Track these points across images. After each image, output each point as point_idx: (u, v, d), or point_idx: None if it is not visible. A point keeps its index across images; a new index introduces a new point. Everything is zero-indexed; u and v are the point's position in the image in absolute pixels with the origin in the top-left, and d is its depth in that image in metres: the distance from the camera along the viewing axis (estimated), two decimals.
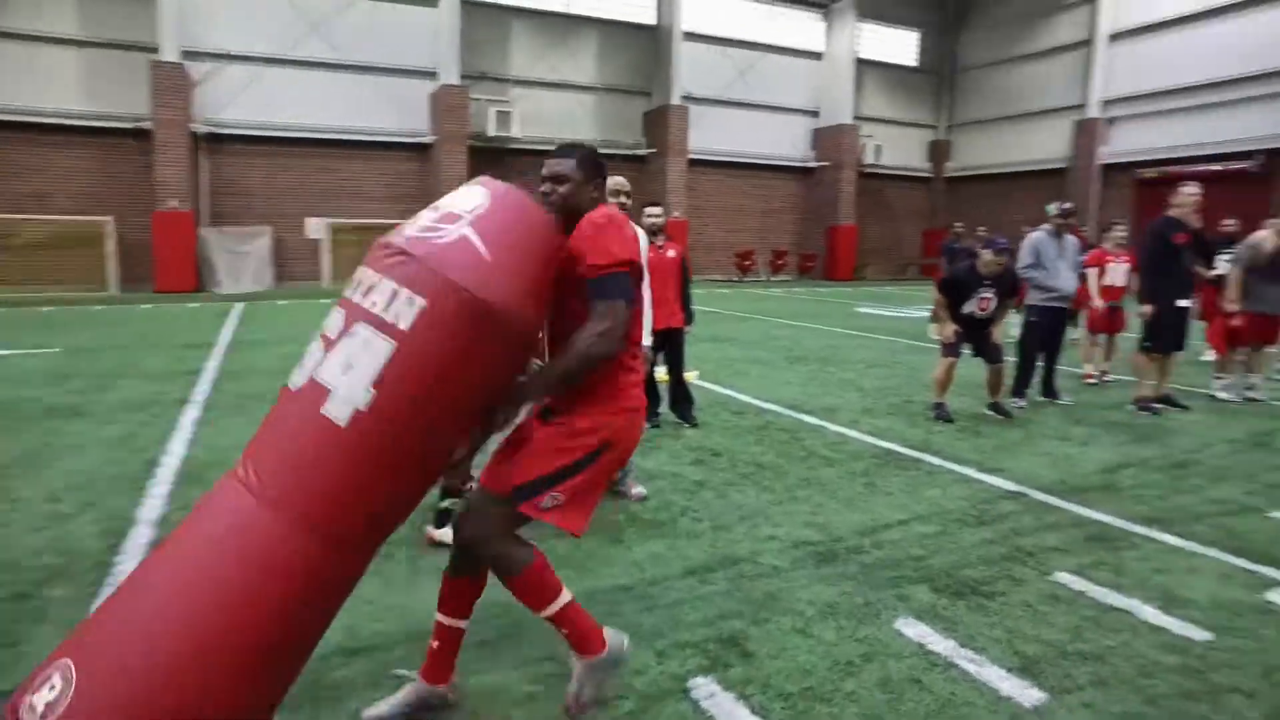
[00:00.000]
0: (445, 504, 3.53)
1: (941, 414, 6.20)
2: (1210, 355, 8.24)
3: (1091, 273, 7.78)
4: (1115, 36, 23.08)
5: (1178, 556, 3.54)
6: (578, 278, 2.04)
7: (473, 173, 20.01)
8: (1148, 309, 6.50)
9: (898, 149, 27.82)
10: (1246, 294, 7.08)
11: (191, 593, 1.66)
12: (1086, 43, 23.73)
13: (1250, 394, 7.24)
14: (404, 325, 1.74)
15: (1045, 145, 25.01)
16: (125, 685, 1.56)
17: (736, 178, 25.18)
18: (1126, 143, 23.09)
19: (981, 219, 18.96)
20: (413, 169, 20.44)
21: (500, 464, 2.17)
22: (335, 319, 1.85)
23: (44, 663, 1.68)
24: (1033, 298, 6.73)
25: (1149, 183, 21.87)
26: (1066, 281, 6.74)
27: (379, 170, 20.16)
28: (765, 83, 25.17)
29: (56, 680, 1.57)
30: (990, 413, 6.36)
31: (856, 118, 25.97)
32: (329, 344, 1.81)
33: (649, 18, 23.30)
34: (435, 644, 2.22)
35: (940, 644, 2.72)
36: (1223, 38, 20.56)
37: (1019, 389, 6.73)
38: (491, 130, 20.64)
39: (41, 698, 1.55)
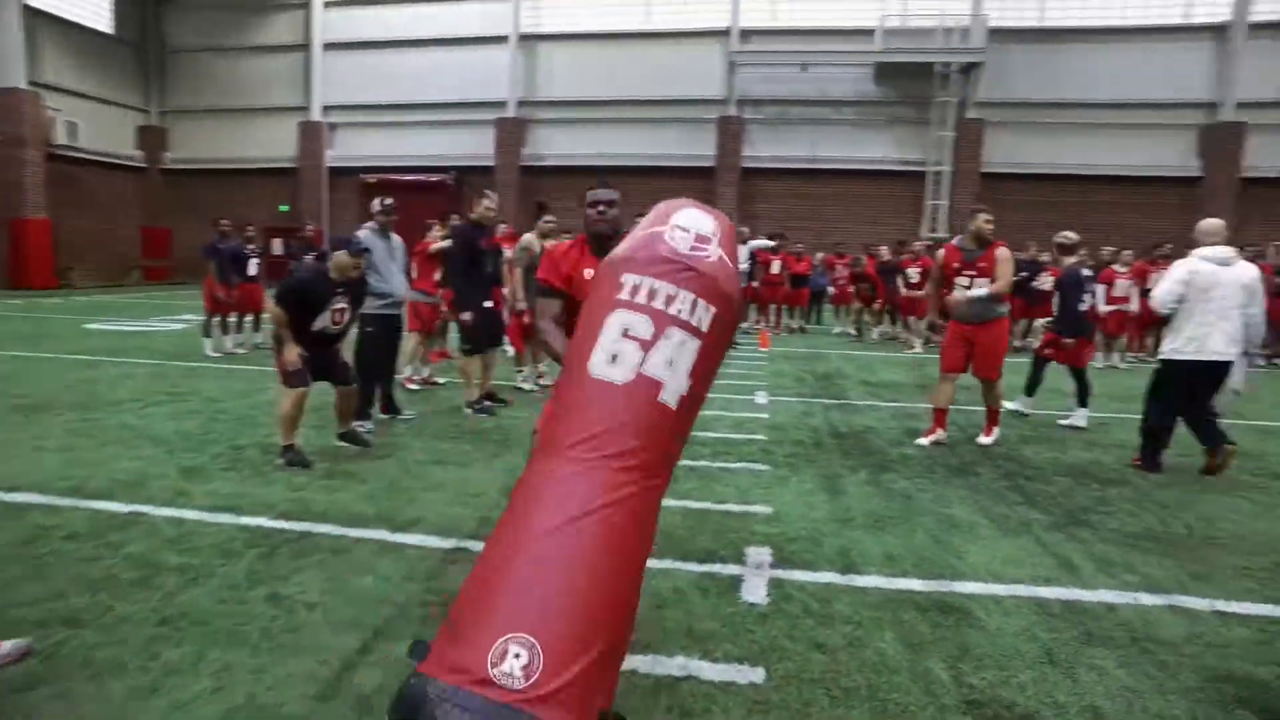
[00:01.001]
0: None
1: (295, 459, 4.92)
2: (510, 351, 8.78)
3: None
4: (330, 46, 23.83)
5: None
6: None
7: None
8: (466, 316, 6.45)
9: (101, 131, 23.30)
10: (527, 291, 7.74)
11: (605, 552, 1.90)
12: (304, 47, 23.90)
13: (541, 382, 8.02)
14: (704, 328, 2.17)
15: (274, 143, 24.38)
16: (580, 642, 1.77)
17: None
18: (350, 148, 24.25)
19: (212, 214, 17.32)
20: None
21: None
22: (639, 321, 2.13)
23: (463, 639, 1.79)
24: (368, 305, 5.94)
25: (373, 186, 23.35)
26: (399, 285, 6.20)
27: None
28: None
29: (517, 649, 1.73)
30: (345, 444, 5.37)
31: (35, 84, 20.61)
32: (645, 344, 2.11)
33: None
34: None
35: None
36: (420, 67, 23.30)
37: (363, 411, 5.89)
38: None
39: (513, 665, 1.71)
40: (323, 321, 4.92)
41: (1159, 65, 21.37)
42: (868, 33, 21.38)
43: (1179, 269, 5.15)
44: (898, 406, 7.30)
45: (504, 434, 5.91)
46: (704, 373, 2.17)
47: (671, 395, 2.09)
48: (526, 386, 7.81)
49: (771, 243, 14.04)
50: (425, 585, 3.20)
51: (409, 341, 7.81)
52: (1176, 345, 5.16)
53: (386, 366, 6.29)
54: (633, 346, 2.10)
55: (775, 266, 13.63)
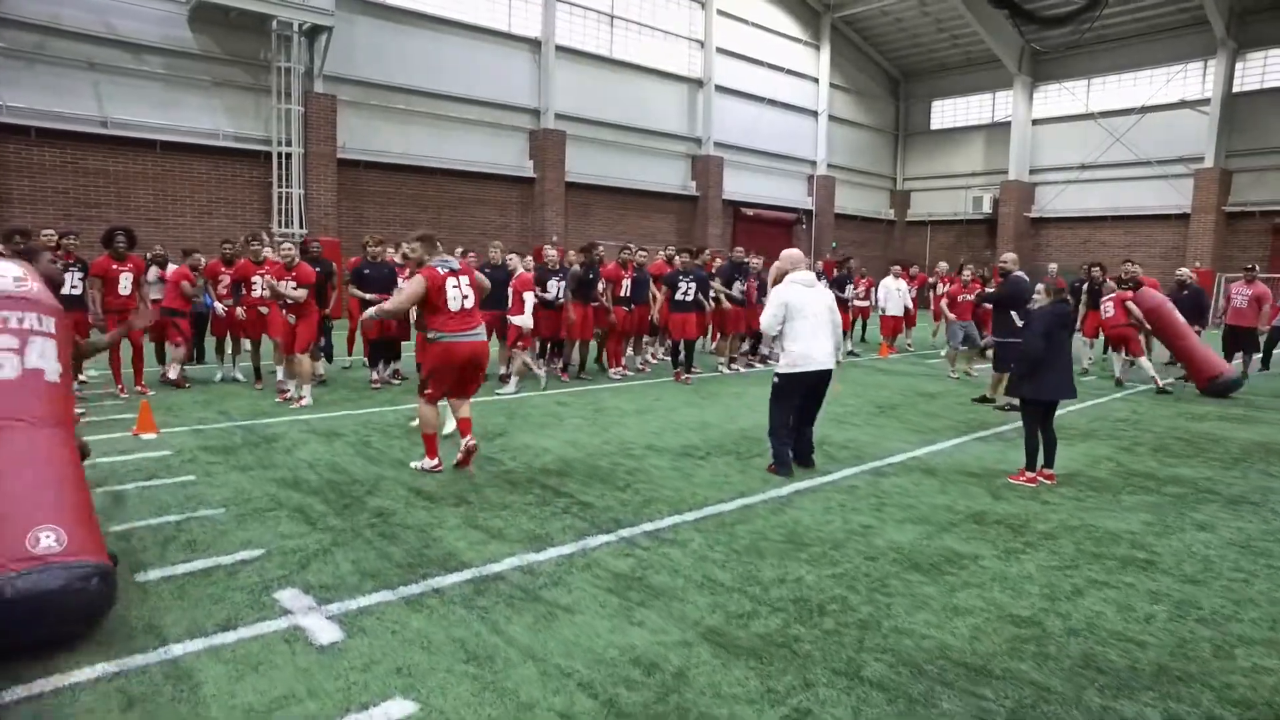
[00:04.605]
0: None
1: None
2: None
3: None
4: None
5: None
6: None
7: None
8: None
9: None
10: None
11: (63, 465, 3.16)
12: None
13: None
14: (53, 330, 3.47)
15: None
16: (85, 515, 3.08)
17: None
18: None
19: None
20: None
21: None
22: (5, 340, 3.29)
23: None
24: None
25: None
26: None
27: None
28: None
29: (46, 531, 2.83)
30: None
31: None
32: (18, 351, 3.29)
33: None
34: None
35: None
36: None
37: None
38: None
39: (47, 539, 2.82)
40: None
41: (493, 66, 21.51)
42: None
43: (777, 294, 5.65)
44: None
45: None
46: (63, 353, 3.42)
47: (53, 374, 3.31)
48: None
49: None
50: None
51: None
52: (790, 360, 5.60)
53: None
54: (10, 355, 3.21)
55: (124, 283, 8.19)
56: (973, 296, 11.67)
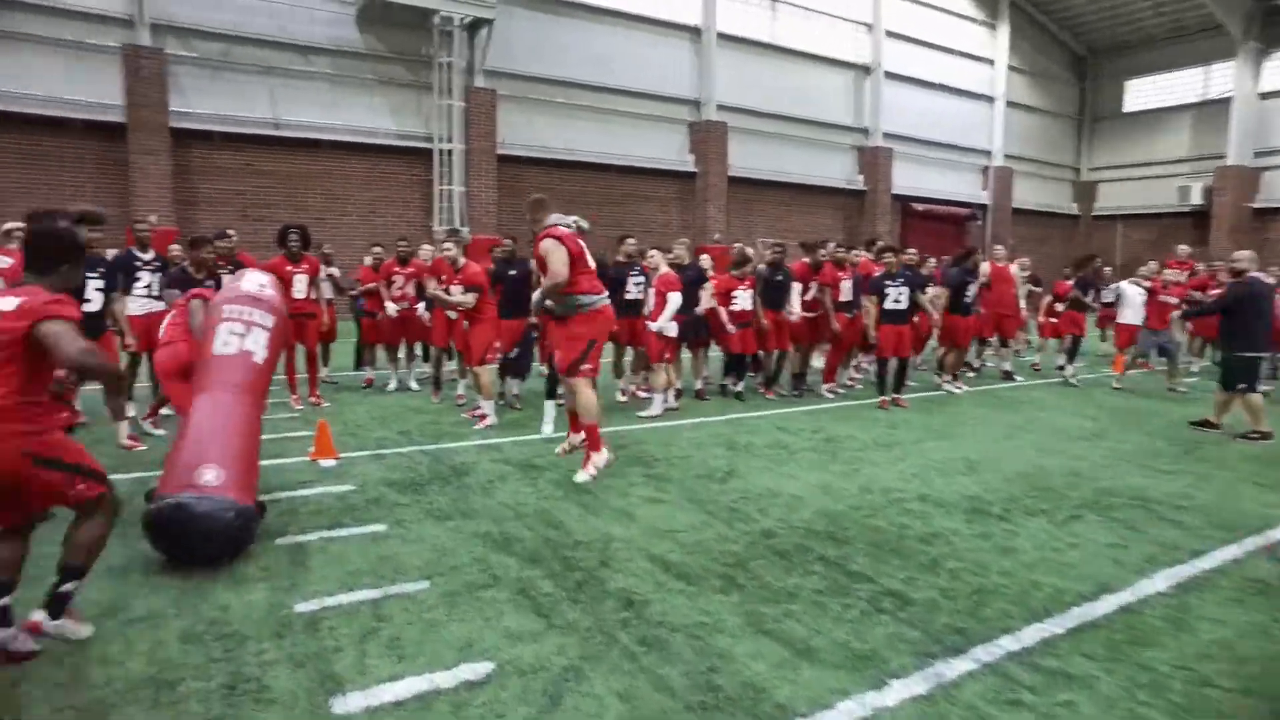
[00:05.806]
0: None
1: None
2: None
3: None
4: None
5: None
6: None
7: None
8: None
9: None
10: None
11: (244, 428, 4.01)
12: None
13: None
14: (269, 325, 4.49)
15: None
16: (244, 464, 3.88)
17: None
18: None
19: None
20: None
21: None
22: (236, 326, 4.36)
23: (173, 470, 3.74)
24: None
25: None
26: None
27: None
28: None
29: (211, 468, 3.68)
30: None
31: None
32: (241, 336, 4.36)
33: None
34: None
35: None
36: None
37: None
38: None
39: (208, 476, 3.64)
40: None
41: (652, 56, 20.49)
42: None
43: None
44: None
45: None
46: (272, 344, 4.39)
47: (259, 358, 4.28)
48: None
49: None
50: None
51: None
52: None
53: None
54: (235, 338, 4.24)
55: (299, 285, 7.58)
56: (1175, 299, 9.43)
